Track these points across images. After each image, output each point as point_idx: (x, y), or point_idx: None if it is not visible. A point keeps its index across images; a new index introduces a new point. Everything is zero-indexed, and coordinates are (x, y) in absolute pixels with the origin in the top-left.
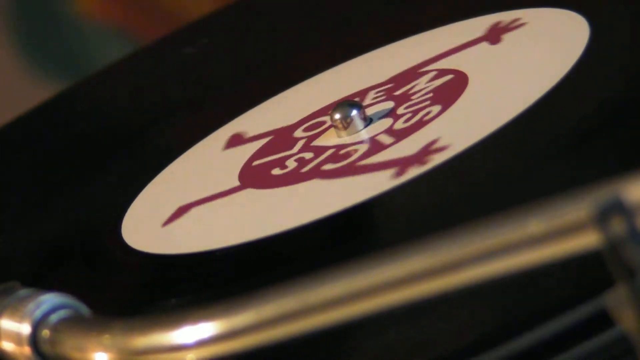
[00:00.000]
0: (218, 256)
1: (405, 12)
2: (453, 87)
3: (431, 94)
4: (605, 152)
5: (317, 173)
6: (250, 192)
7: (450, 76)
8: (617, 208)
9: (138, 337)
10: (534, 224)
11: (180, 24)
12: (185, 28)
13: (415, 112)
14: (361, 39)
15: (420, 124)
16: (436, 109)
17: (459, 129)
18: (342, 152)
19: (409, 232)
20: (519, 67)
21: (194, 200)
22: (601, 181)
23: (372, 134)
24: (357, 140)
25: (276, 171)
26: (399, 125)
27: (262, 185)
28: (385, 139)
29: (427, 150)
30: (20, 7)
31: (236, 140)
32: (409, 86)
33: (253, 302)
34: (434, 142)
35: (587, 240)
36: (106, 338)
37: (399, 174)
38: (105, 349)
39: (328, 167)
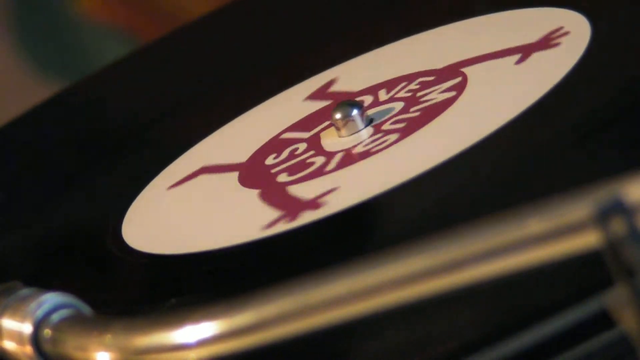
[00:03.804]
0: (173, 303)
1: (399, 14)
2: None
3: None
4: (605, 152)
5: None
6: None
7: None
8: (617, 208)
9: (139, 336)
10: (534, 223)
11: (180, 24)
12: (185, 28)
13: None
14: (360, 39)
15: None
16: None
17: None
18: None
19: (409, 232)
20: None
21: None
22: (601, 181)
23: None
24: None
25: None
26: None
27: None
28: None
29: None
30: (21, 7)
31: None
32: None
33: (254, 302)
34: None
35: (587, 240)
36: (108, 337)
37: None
38: (107, 348)
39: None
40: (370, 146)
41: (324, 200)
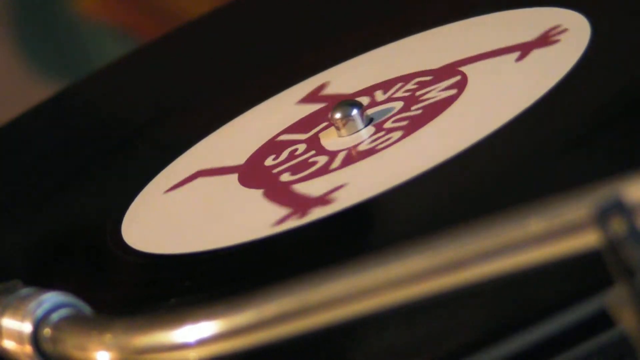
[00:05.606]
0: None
1: (397, 16)
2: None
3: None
4: (605, 152)
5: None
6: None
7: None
8: (617, 208)
9: (139, 335)
10: (535, 223)
11: (180, 24)
12: (185, 28)
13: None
14: (361, 39)
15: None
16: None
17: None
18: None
19: (409, 232)
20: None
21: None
22: (601, 181)
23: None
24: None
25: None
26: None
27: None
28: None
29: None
30: (21, 6)
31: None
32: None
33: (254, 301)
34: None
35: (587, 240)
36: (108, 337)
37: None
38: (107, 347)
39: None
40: (373, 144)
41: (334, 197)
